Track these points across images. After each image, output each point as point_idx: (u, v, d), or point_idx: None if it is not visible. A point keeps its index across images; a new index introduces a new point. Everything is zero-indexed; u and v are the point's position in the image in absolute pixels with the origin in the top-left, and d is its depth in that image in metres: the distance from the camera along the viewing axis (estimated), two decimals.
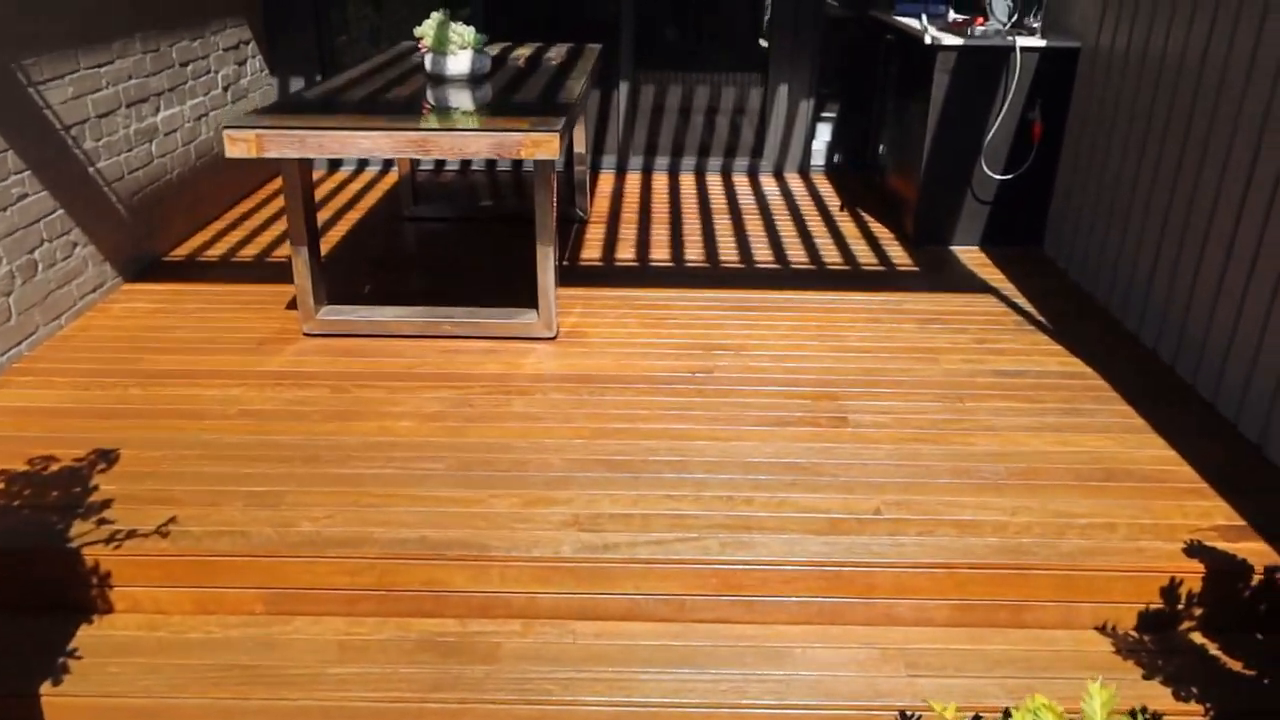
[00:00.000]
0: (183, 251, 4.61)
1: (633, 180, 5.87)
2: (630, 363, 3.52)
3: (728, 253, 4.65)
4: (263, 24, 5.62)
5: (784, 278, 4.34)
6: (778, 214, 5.27)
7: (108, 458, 2.92)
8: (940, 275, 4.39)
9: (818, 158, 6.00)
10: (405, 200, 5.02)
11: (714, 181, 5.87)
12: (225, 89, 5.14)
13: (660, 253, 4.63)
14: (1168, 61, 3.63)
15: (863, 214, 5.28)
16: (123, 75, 4.17)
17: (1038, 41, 4.36)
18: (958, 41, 4.36)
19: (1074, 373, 3.48)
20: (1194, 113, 3.44)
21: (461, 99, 3.77)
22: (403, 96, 3.78)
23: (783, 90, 5.81)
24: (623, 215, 5.19)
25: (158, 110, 4.46)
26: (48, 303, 3.69)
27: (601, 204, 5.39)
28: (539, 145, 3.12)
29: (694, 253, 4.63)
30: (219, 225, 4.97)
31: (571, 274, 4.35)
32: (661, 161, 6.00)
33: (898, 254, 4.66)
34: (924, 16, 4.88)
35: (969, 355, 3.61)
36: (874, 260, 4.57)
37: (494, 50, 4.74)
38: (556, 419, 3.14)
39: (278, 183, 5.67)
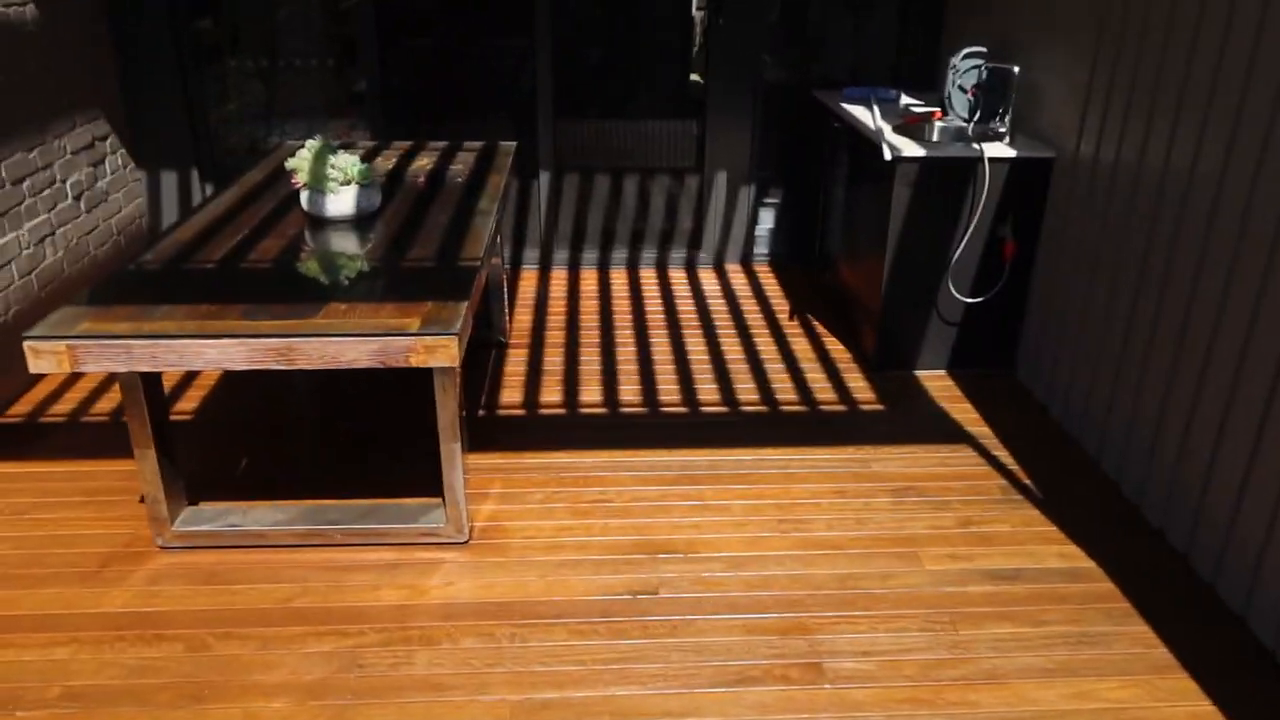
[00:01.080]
0: (21, 409, 3.88)
1: (559, 279, 5.26)
2: (559, 579, 2.93)
3: (667, 389, 4.07)
4: (123, 115, 4.87)
5: (734, 428, 3.78)
6: (720, 324, 4.71)
7: None
8: (909, 417, 3.88)
9: (761, 245, 5.46)
10: None
11: (648, 278, 5.29)
12: (77, 198, 4.39)
13: (591, 392, 4.03)
14: (1150, 176, 3.15)
15: (813, 322, 4.75)
16: None
17: (1008, 151, 3.86)
18: (920, 153, 3.85)
19: (1077, 571, 2.99)
20: (1179, 236, 2.98)
21: (342, 256, 3.11)
22: (270, 256, 3.10)
23: (720, 176, 5.25)
24: (548, 335, 4.57)
25: None
26: None
27: (523, 318, 4.77)
28: (433, 352, 2.51)
29: (629, 392, 4.04)
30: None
31: (489, 429, 3.73)
32: (590, 256, 5.40)
33: (858, 384, 4.14)
34: (875, 108, 4.37)
35: (955, 548, 3.09)
36: (832, 395, 4.04)
37: (389, 163, 4.09)
38: (468, 688, 2.53)
39: None
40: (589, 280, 5.25)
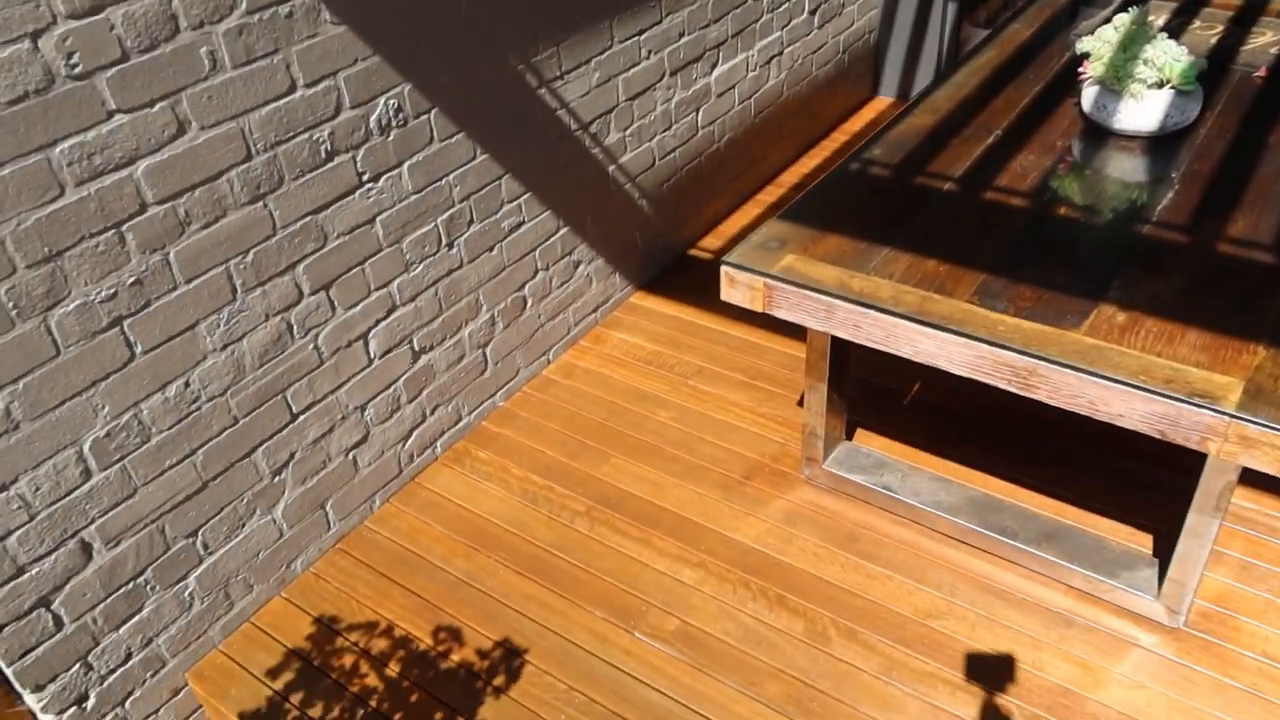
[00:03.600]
0: (714, 242, 3.75)
1: None
2: None
3: None
4: None
5: None
6: None
7: (511, 662, 2.30)
8: None
9: None
10: None
11: None
12: (813, 11, 3.95)
13: None
14: None
15: None
16: (671, 35, 3.21)
17: None
18: None
19: None
20: None
21: (1130, 210, 2.20)
22: (1028, 184, 2.30)
23: None
24: None
25: (713, 68, 3.48)
26: (533, 341, 3.10)
27: None
28: (1251, 449, 1.61)
29: None
30: (771, 193, 3.99)
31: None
32: None
33: None
34: None
35: None
36: None
37: (1209, 33, 2.91)
38: None
39: (874, 110, 4.48)
40: None
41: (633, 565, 2.51)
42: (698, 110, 3.49)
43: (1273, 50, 2.78)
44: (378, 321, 2.56)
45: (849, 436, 2.79)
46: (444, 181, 2.61)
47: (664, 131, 3.36)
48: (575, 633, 2.36)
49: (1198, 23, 2.99)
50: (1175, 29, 2.95)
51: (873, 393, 2.96)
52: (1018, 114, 2.58)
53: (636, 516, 2.63)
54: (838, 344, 2.36)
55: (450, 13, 2.44)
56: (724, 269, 2.09)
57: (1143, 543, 2.42)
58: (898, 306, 1.92)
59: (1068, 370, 1.74)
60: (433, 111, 2.49)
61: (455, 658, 2.32)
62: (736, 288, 2.08)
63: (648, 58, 3.16)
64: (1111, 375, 1.71)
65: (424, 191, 2.55)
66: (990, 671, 2.19)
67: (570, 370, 3.16)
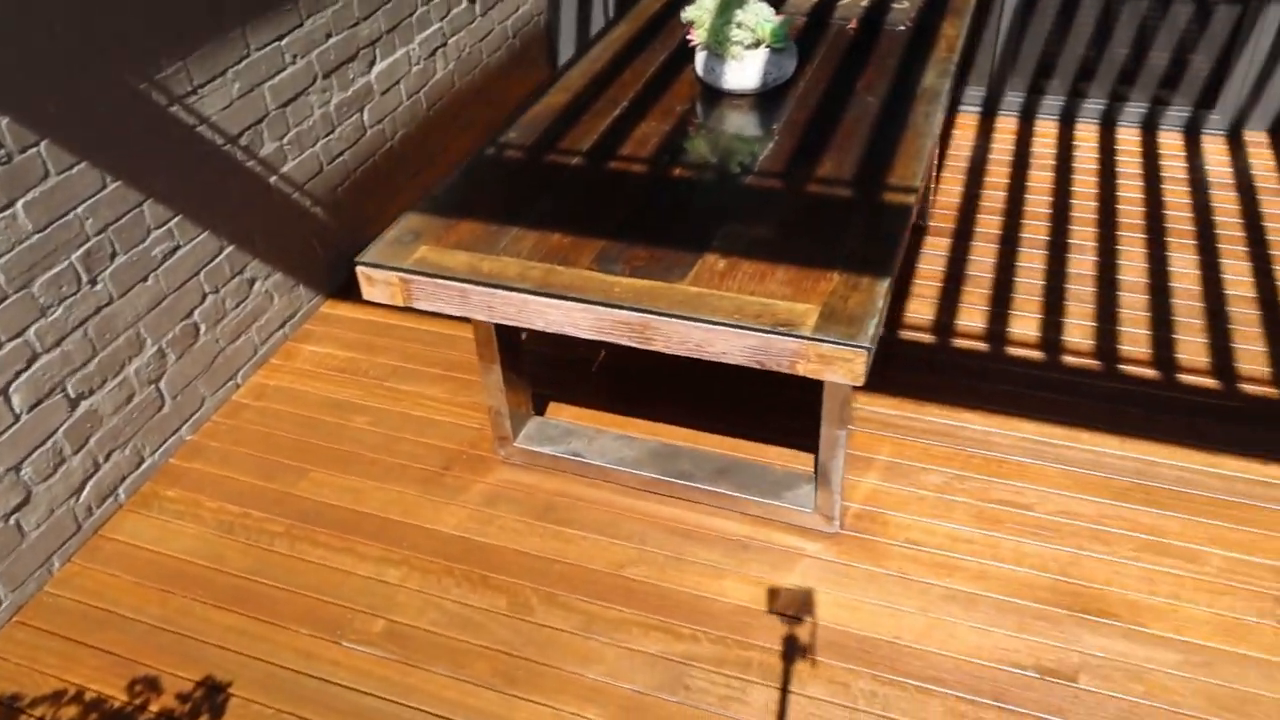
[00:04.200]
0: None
1: (1005, 131, 4.14)
2: (943, 619, 2.27)
3: (1132, 332, 3.04)
4: None
5: (1225, 418, 2.73)
6: (1225, 232, 3.45)
7: (214, 699, 2.24)
8: None
9: None
10: None
11: (1128, 143, 4.00)
12: (472, 0, 4.00)
13: (1025, 321, 3.11)
14: None
15: None
16: (316, 37, 3.17)
17: None
18: None
19: None
20: None
21: (732, 165, 2.39)
22: (648, 151, 2.44)
23: (1275, 4, 3.72)
24: (979, 220, 3.61)
25: (371, 66, 3.46)
26: (216, 368, 2.99)
27: (951, 187, 3.80)
28: (830, 364, 1.81)
29: (1078, 330, 3.06)
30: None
31: (887, 358, 3.00)
32: (1052, 102, 4.17)
33: None
34: None
35: None
36: None
37: None
38: None
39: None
40: (1045, 136, 4.09)
41: (335, 576, 2.49)
42: (362, 110, 3.46)
43: (863, 3, 3.08)
44: (18, 374, 2.39)
45: (541, 411, 2.89)
46: (71, 216, 2.46)
47: (328, 136, 3.31)
48: (281, 655, 2.32)
49: None
50: None
51: (563, 365, 3.07)
52: (643, 84, 2.74)
53: (337, 526, 2.62)
54: (502, 324, 2.44)
55: (42, 38, 2.30)
56: (359, 269, 2.10)
57: (805, 463, 2.65)
58: (523, 283, 2.01)
59: (674, 319, 1.89)
60: (42, 144, 2.35)
61: (154, 708, 2.24)
62: (375, 286, 2.11)
63: (294, 62, 3.10)
64: (711, 318, 1.87)
65: (48, 229, 2.40)
66: (678, 606, 2.35)
67: (262, 391, 3.07)
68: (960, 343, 3.06)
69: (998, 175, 3.85)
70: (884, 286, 1.89)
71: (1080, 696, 2.11)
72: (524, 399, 2.71)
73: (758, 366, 1.87)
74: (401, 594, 2.44)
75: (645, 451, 2.65)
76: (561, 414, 2.91)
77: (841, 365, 1.79)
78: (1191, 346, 2.98)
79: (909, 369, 2.97)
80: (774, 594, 2.36)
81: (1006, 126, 4.17)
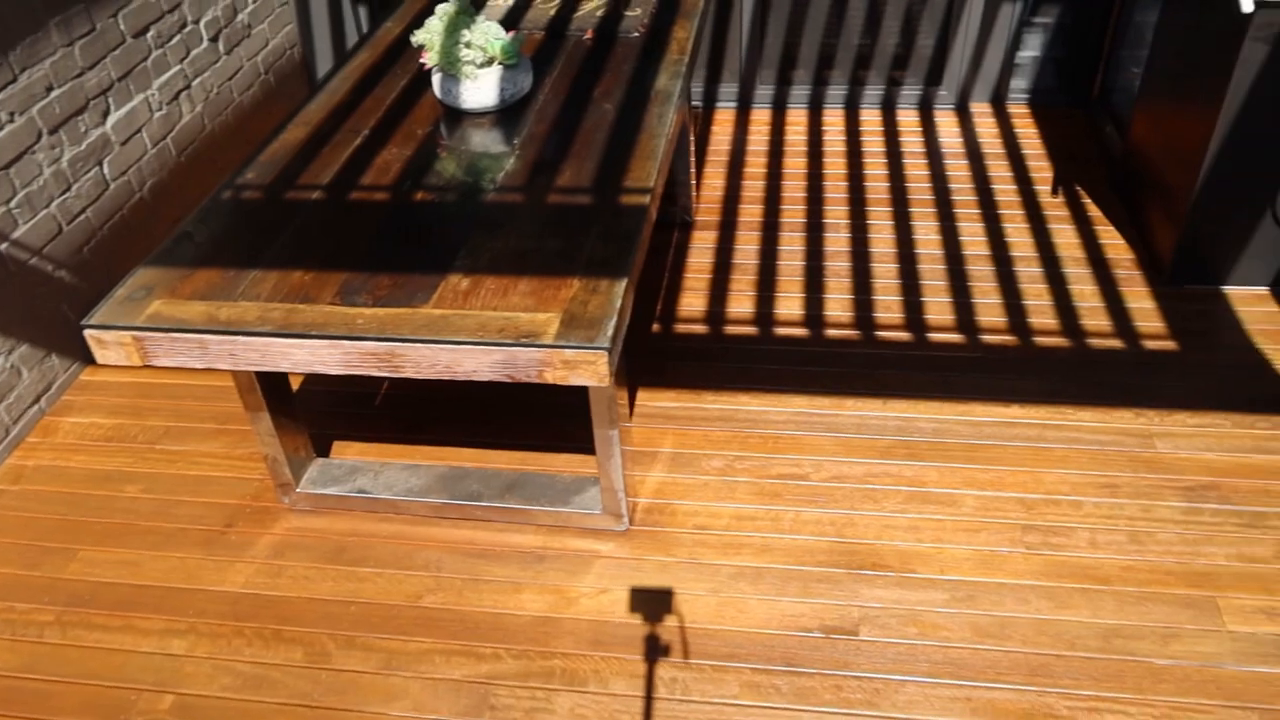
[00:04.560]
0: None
1: (760, 123, 4.34)
2: (735, 597, 2.37)
3: (886, 299, 3.25)
4: None
5: (970, 369, 2.96)
6: (959, 197, 3.74)
7: None
8: (1214, 365, 2.91)
9: (1021, 78, 4.28)
10: None
11: (870, 124, 4.27)
12: (214, 39, 3.86)
13: (790, 302, 3.27)
14: None
15: (1084, 199, 3.70)
16: (35, 91, 2.98)
17: None
18: None
19: None
20: None
21: (472, 184, 2.40)
22: (389, 178, 2.42)
23: None
24: (742, 210, 3.77)
25: (105, 116, 3.28)
26: None
27: (714, 182, 3.96)
28: (575, 369, 1.86)
29: (838, 305, 3.25)
30: None
31: (664, 352, 3.10)
32: (800, 92, 4.40)
33: (1143, 305, 3.17)
34: None
35: (1273, 597, 2.29)
36: (1106, 323, 3.11)
37: (550, 6, 3.25)
38: None
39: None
40: (797, 124, 4.32)
41: (116, 657, 2.36)
42: (101, 164, 3.28)
43: (599, 14, 3.17)
44: None
45: (325, 452, 2.83)
46: None
47: (63, 194, 3.12)
48: None
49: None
50: (522, 6, 3.26)
51: (345, 401, 3.01)
52: (384, 111, 2.72)
53: (114, 605, 2.47)
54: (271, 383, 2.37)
55: None
56: (87, 334, 2.00)
57: (593, 467, 2.70)
58: (264, 325, 1.96)
59: (420, 344, 1.89)
60: None
61: None
62: (108, 348, 2.01)
63: (11, 120, 2.91)
64: (455, 338, 1.88)
65: None
66: (478, 627, 2.35)
67: (19, 474, 2.87)
68: (732, 329, 3.20)
69: (756, 166, 4.04)
70: (621, 286, 1.96)
71: (862, 648, 2.25)
72: (302, 442, 2.64)
73: (509, 380, 1.90)
74: (189, 664, 2.33)
75: (433, 477, 2.64)
76: (347, 452, 2.85)
77: (586, 368, 1.84)
78: (938, 306, 3.21)
79: (686, 360, 3.08)
80: (571, 600, 2.40)
81: (761, 119, 4.38)
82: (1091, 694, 2.12)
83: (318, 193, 2.39)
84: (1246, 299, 3.15)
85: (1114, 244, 3.45)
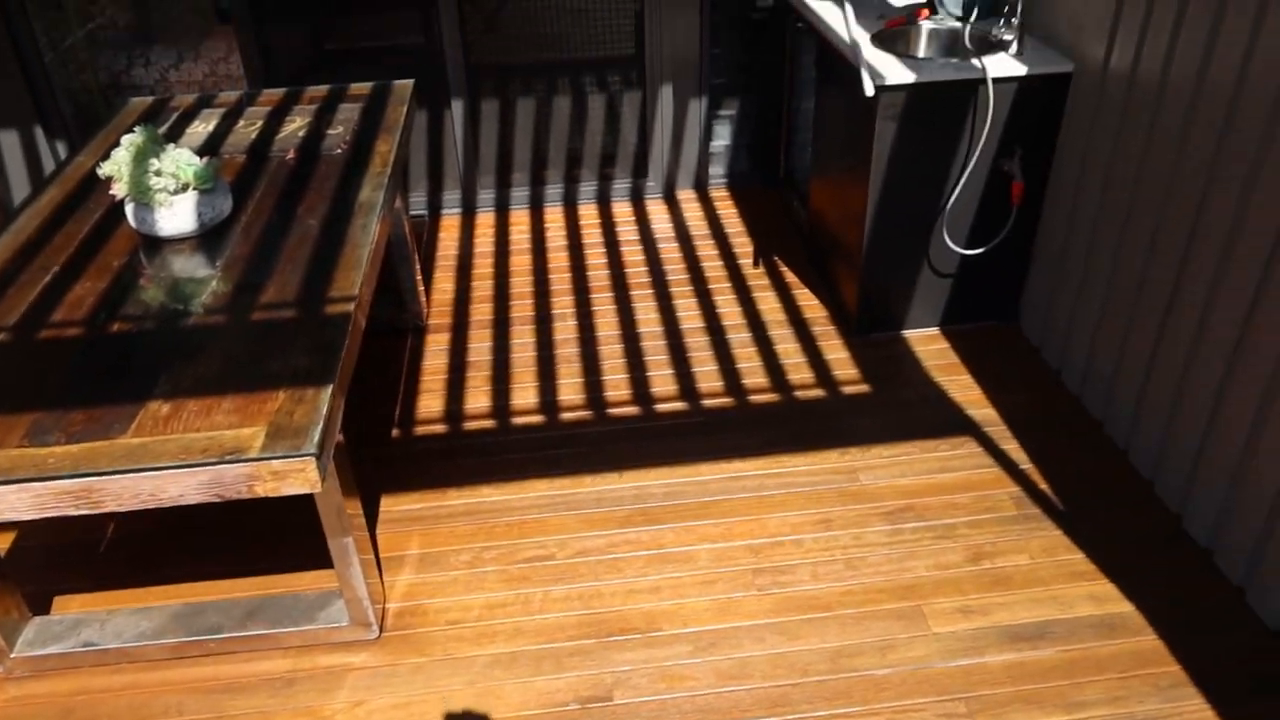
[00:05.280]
0: None
1: (484, 226, 4.51)
2: (491, 685, 2.39)
3: (614, 379, 3.43)
4: None
5: (694, 434, 3.17)
6: (673, 277, 4.04)
7: None
8: (900, 402, 3.28)
9: (717, 166, 4.71)
10: None
11: (588, 217, 4.55)
12: None
13: (525, 392, 3.39)
14: (1215, 92, 2.48)
15: (781, 268, 4.09)
16: None
17: (1015, 68, 3.14)
18: (907, 78, 3.12)
19: (1113, 621, 2.49)
20: (1264, 167, 2.35)
21: (169, 310, 2.37)
22: (82, 312, 2.35)
23: (666, 88, 4.46)
24: (473, 310, 3.89)
25: None
26: None
27: (444, 285, 4.06)
28: (284, 479, 1.88)
29: (570, 389, 3.41)
30: None
31: (405, 458, 3.12)
32: (520, 193, 4.63)
33: (838, 356, 3.53)
34: (847, 8, 3.59)
35: (966, 597, 2.58)
36: (809, 376, 3.43)
37: (251, 129, 3.29)
38: None
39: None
40: (520, 224, 4.52)
41: None
42: None
43: (300, 134, 3.23)
44: None
45: (46, 609, 2.63)
46: None
47: None
48: None
49: (242, 122, 3.35)
50: (222, 131, 3.28)
51: (67, 551, 2.82)
52: (77, 245, 2.65)
53: None
54: None
55: None
56: None
57: (335, 585, 2.67)
58: None
59: (118, 475, 1.84)
60: None
61: None
62: None
63: None
64: (156, 464, 1.85)
65: None
66: None
67: None
68: (471, 424, 3.27)
69: (483, 266, 4.19)
70: (328, 393, 2.00)
71: (617, 711, 2.33)
72: (13, 603, 2.45)
73: (219, 499, 1.88)
74: None
75: (167, 617, 2.51)
76: (70, 605, 2.66)
77: (296, 476, 1.86)
78: (661, 379, 3.44)
79: (428, 461, 3.11)
80: (325, 719, 2.34)
81: (485, 222, 4.56)
82: (826, 713, 2.30)
83: (4, 334, 2.28)
84: (922, 339, 3.59)
85: (810, 304, 3.83)
